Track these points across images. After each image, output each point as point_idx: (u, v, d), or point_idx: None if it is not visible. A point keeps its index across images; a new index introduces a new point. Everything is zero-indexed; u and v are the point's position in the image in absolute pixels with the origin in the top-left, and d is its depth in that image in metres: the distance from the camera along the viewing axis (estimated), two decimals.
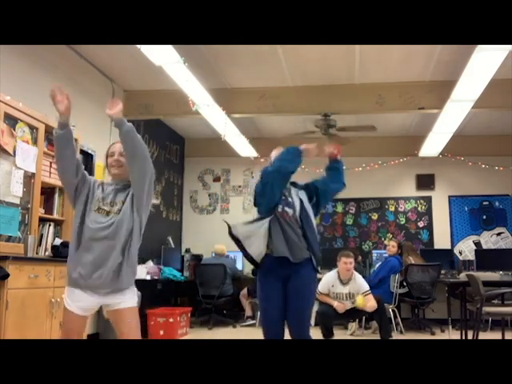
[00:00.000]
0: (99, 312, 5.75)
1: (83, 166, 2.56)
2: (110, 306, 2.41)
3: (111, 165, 2.57)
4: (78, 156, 2.58)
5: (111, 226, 2.38)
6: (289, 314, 2.88)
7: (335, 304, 5.24)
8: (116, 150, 2.56)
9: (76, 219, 2.46)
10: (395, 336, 5.71)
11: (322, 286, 5.31)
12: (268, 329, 2.95)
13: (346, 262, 5.23)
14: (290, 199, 3.02)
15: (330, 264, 6.88)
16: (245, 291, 7.27)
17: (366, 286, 5.36)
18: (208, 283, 6.78)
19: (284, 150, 3.10)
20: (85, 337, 4.03)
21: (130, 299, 2.41)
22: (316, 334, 5.40)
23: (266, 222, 2.90)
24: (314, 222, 3.03)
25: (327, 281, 5.37)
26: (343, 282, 5.31)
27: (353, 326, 6.18)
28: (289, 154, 3.05)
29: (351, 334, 6.10)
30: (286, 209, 2.98)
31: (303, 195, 3.09)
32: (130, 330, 2.37)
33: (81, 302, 2.36)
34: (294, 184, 3.17)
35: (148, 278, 5.85)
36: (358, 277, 5.39)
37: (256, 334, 6.06)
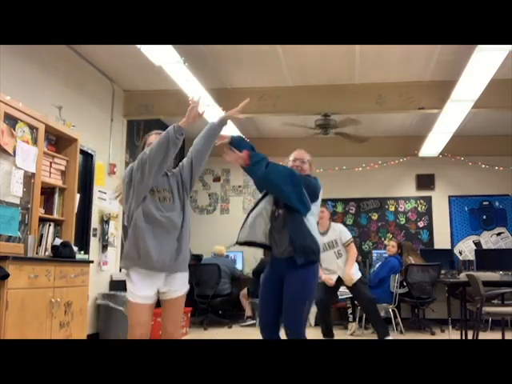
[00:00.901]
0: (99, 312, 5.76)
1: None
2: None
3: None
4: None
5: None
6: (283, 311, 2.89)
7: (323, 277, 5.24)
8: (154, 141, 2.68)
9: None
10: (395, 336, 5.71)
11: None
12: (262, 328, 3.00)
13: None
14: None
15: None
16: (245, 291, 7.27)
17: (347, 235, 5.37)
18: (203, 283, 6.78)
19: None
20: (85, 337, 4.05)
21: None
22: (316, 334, 5.41)
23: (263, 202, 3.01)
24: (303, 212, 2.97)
25: None
26: (322, 233, 5.14)
27: (353, 325, 6.18)
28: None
29: (351, 334, 6.10)
30: (280, 210, 3.00)
31: None
32: None
33: None
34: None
35: None
36: (336, 225, 5.47)
37: (255, 334, 6.05)
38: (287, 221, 2.91)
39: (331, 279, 5.33)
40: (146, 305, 2.49)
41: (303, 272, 2.87)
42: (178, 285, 2.60)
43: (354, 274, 5.33)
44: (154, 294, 2.54)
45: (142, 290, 2.49)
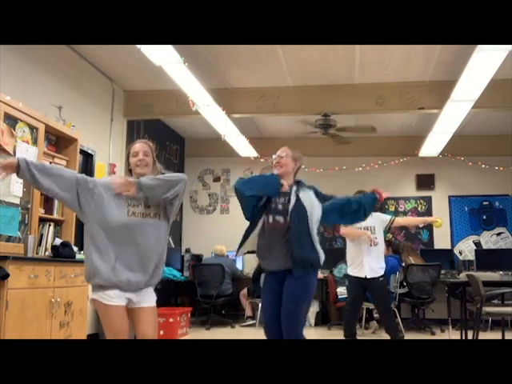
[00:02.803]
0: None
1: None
2: None
3: (136, 164, 2.62)
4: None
5: None
6: (281, 313, 2.89)
7: (367, 234, 4.82)
8: (139, 150, 2.63)
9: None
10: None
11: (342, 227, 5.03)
12: (266, 327, 3.01)
13: None
14: (284, 206, 2.94)
15: (331, 264, 6.91)
16: (245, 291, 7.27)
17: (387, 216, 5.12)
18: (206, 283, 6.78)
19: (264, 175, 3.05)
20: (85, 337, 4.05)
21: None
22: (316, 334, 5.41)
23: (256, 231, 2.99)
24: (313, 221, 2.91)
25: None
26: None
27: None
28: (266, 180, 2.98)
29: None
30: (277, 217, 2.93)
31: (305, 194, 2.97)
32: None
33: None
34: (298, 183, 3.05)
35: None
36: (374, 214, 4.93)
37: (255, 334, 6.06)
38: (291, 231, 2.87)
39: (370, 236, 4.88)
40: None
41: (304, 281, 2.90)
42: None
43: (381, 267, 4.94)
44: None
45: None
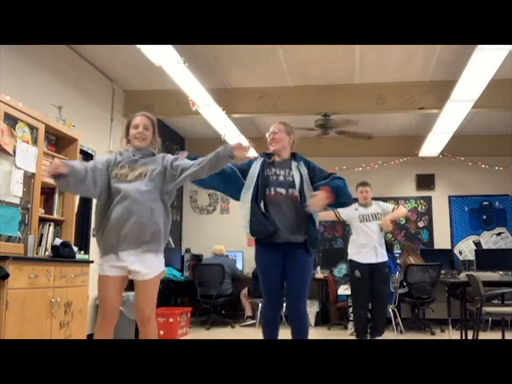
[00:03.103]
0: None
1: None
2: None
3: (135, 137, 2.68)
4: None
5: None
6: (288, 291, 2.97)
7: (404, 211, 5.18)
8: (140, 123, 2.68)
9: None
10: (395, 336, 5.70)
11: (343, 214, 5.15)
12: (267, 297, 3.02)
13: (362, 191, 5.14)
14: (285, 177, 2.99)
15: (331, 264, 6.92)
16: (245, 291, 7.27)
17: (390, 205, 5.29)
18: (206, 283, 6.78)
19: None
20: (85, 337, 4.05)
21: None
22: (316, 334, 5.41)
23: (245, 206, 2.99)
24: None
25: (349, 208, 5.06)
26: (364, 205, 5.14)
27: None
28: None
29: (351, 334, 6.10)
30: (278, 189, 2.96)
31: (303, 168, 3.03)
32: None
33: None
34: (295, 156, 3.10)
35: None
36: (379, 202, 5.27)
37: (255, 334, 6.05)
38: (301, 206, 2.92)
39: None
40: None
41: (306, 259, 2.97)
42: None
43: (385, 254, 5.05)
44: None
45: None
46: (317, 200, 2.84)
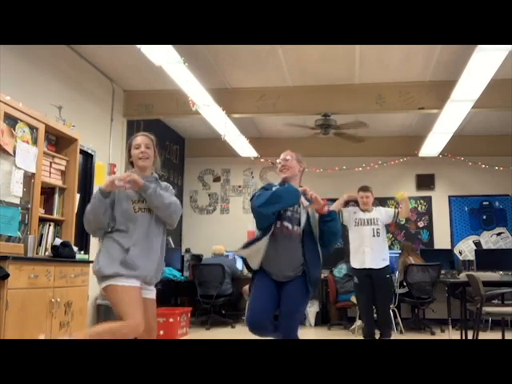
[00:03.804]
0: (99, 312, 5.74)
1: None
2: None
3: (138, 157, 2.71)
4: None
5: None
6: (280, 317, 2.91)
7: (345, 196, 5.03)
8: (141, 143, 2.71)
9: None
10: (395, 336, 5.70)
11: (343, 218, 5.06)
12: (254, 322, 2.93)
13: (363, 196, 5.08)
14: (293, 214, 2.96)
15: (331, 264, 6.91)
16: (246, 287, 7.25)
17: (391, 210, 5.23)
18: (206, 283, 6.78)
19: (283, 188, 2.97)
20: None
21: None
22: (316, 334, 5.41)
23: (263, 241, 2.92)
24: (318, 242, 2.98)
25: (348, 210, 5.15)
26: (363, 210, 5.09)
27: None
28: (288, 193, 2.91)
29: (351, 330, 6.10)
30: (285, 223, 2.93)
31: (312, 211, 3.01)
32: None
33: None
34: (305, 197, 3.05)
35: None
36: (381, 208, 5.23)
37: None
38: (306, 245, 2.91)
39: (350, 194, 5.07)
40: None
41: (303, 291, 2.91)
42: None
43: (383, 258, 4.98)
44: None
45: None
46: (315, 196, 2.85)
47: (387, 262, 4.99)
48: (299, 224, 2.93)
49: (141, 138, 2.73)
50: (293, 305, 2.89)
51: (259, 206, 2.84)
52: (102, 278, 2.56)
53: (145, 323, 2.50)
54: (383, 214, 5.08)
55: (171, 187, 2.86)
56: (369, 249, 4.91)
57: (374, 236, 4.95)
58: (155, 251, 2.68)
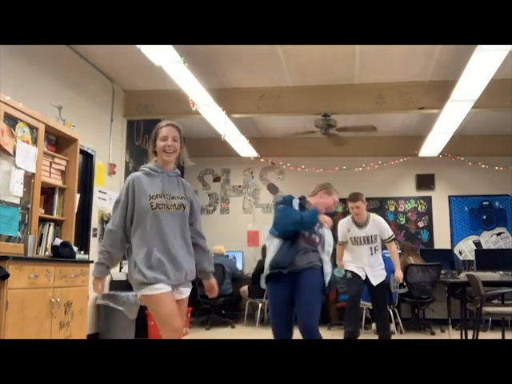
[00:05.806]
0: (99, 312, 5.75)
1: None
2: None
3: (164, 150, 2.55)
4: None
5: None
6: (298, 308, 3.02)
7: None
8: (168, 134, 2.55)
9: None
10: (395, 336, 5.70)
11: (340, 236, 4.96)
12: (274, 330, 3.16)
13: (353, 207, 4.85)
14: (318, 230, 3.24)
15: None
16: (245, 288, 7.23)
17: (390, 232, 4.93)
18: None
19: (311, 210, 3.23)
20: (85, 337, 4.05)
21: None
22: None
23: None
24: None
25: (342, 228, 4.97)
26: (359, 225, 4.88)
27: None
28: (312, 216, 3.19)
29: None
30: (313, 236, 3.20)
31: (328, 235, 3.31)
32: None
33: None
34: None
35: None
36: (377, 219, 4.94)
37: (256, 334, 6.06)
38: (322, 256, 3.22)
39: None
40: None
41: (319, 280, 3.10)
42: None
43: (381, 274, 4.89)
44: None
45: None
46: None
47: (385, 274, 4.89)
48: (321, 237, 3.23)
49: (167, 129, 2.56)
50: (310, 292, 3.02)
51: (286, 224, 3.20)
52: (134, 286, 2.54)
53: None
54: (381, 229, 4.91)
55: (190, 187, 2.83)
56: (368, 268, 4.82)
57: (371, 254, 4.85)
58: (179, 249, 2.57)
